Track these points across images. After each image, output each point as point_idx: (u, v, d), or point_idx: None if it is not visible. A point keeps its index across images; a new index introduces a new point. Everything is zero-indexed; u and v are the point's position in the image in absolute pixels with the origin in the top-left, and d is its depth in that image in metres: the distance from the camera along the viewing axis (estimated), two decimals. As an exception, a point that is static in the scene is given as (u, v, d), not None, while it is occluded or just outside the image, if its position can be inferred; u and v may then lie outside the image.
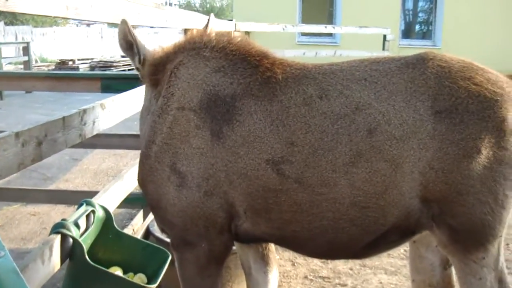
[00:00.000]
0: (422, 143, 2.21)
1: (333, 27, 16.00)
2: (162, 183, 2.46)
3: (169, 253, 3.09)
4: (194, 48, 2.60)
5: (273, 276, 3.02)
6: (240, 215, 2.43)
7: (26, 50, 18.50)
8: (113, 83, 4.89)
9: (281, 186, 2.29)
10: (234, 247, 2.83)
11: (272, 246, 3.01)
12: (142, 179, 2.60)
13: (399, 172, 2.22)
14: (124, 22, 2.65)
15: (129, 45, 2.71)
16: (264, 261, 2.98)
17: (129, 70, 24.62)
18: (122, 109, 3.51)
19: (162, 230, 2.84)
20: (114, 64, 24.83)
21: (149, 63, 2.72)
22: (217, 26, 6.64)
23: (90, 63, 24.87)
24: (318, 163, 2.25)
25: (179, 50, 2.65)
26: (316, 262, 4.89)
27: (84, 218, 2.88)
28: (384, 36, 15.42)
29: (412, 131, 2.22)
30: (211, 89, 2.43)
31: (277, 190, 2.30)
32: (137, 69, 2.81)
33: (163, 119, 2.49)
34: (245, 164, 2.32)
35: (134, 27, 2.83)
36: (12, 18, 40.37)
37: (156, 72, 2.67)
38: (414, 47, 17.28)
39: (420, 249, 2.80)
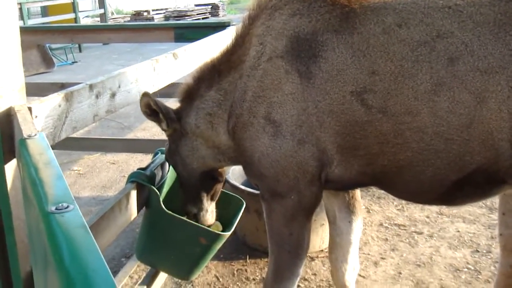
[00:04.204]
0: None
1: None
2: (257, 135, 2.49)
3: (243, 200, 3.13)
4: (265, 7, 2.58)
5: (357, 226, 3.01)
6: (332, 159, 2.44)
7: (101, 3, 18.81)
8: (186, 32, 4.93)
9: (366, 117, 2.28)
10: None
11: (358, 196, 3.01)
12: (237, 139, 2.62)
13: (484, 107, 2.12)
14: (146, 94, 2.64)
15: (154, 112, 2.71)
16: (349, 210, 2.98)
17: (203, 19, 24.79)
18: (194, 58, 3.51)
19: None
20: (188, 13, 24.97)
21: (225, 52, 2.73)
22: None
23: (164, 13, 25.10)
24: (399, 91, 2.22)
25: (255, 18, 2.63)
26: (391, 210, 4.83)
27: (159, 166, 2.94)
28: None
29: (499, 66, 2.09)
30: (291, 33, 2.44)
31: (363, 122, 2.29)
32: (164, 130, 2.81)
33: (252, 76, 2.51)
34: (332, 99, 2.33)
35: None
36: (87, -29, 41.07)
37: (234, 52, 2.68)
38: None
39: (510, 202, 2.70)
